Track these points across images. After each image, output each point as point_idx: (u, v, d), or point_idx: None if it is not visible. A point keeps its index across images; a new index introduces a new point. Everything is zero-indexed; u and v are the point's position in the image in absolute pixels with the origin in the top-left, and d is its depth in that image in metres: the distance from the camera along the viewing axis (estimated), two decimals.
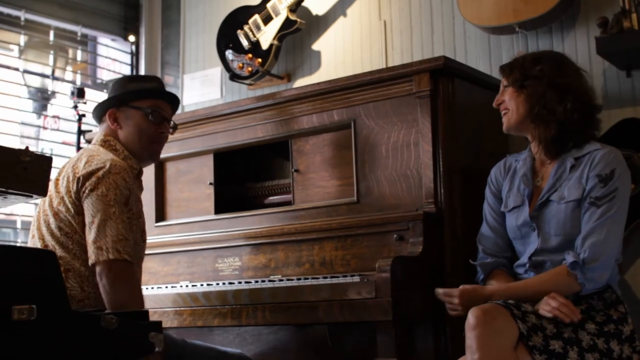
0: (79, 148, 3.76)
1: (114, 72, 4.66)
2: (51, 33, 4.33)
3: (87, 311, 2.14)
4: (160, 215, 3.45)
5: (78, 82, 4.51)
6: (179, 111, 2.90)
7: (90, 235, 2.35)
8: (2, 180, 1.73)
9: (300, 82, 3.90)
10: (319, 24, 3.92)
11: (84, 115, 3.82)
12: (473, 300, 2.27)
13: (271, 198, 3.25)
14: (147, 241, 2.66)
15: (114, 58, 4.67)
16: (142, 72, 4.58)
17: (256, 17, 3.87)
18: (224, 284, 2.87)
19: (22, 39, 4.25)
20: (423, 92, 2.77)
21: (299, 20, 3.79)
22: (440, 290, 2.39)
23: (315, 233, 2.86)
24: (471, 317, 2.14)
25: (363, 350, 2.79)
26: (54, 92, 4.45)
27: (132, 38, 4.60)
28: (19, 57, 4.25)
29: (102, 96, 4.43)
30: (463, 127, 2.85)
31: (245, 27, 3.90)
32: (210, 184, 3.31)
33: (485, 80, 3.01)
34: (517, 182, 2.53)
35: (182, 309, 2.91)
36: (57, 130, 4.42)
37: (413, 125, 2.80)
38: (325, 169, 3.02)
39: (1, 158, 1.73)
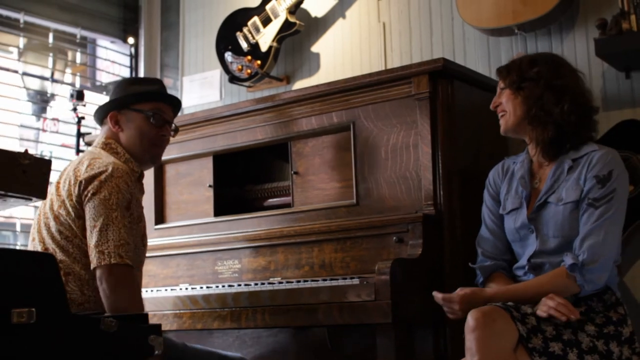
0: (78, 150, 3.75)
1: (113, 74, 4.66)
2: (50, 35, 4.33)
3: (87, 314, 2.13)
4: (160, 218, 3.45)
5: (77, 85, 4.51)
6: (178, 113, 2.90)
7: (92, 239, 2.34)
8: (2, 183, 1.73)
9: (300, 84, 3.90)
10: (318, 26, 3.93)
11: (83, 118, 3.82)
12: (473, 304, 2.26)
13: (270, 200, 3.25)
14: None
15: (113, 60, 4.67)
16: (141, 74, 4.58)
17: (255, 19, 3.87)
18: (223, 286, 2.87)
19: (22, 42, 4.25)
20: (422, 94, 2.77)
21: (298, 22, 3.79)
22: (439, 296, 2.37)
23: (315, 235, 2.86)
24: (471, 320, 2.14)
25: (363, 353, 2.79)
26: (53, 95, 4.45)
27: (131, 40, 4.60)
28: (18, 60, 4.25)
29: (102, 98, 4.43)
30: (462, 129, 2.85)
31: (245, 29, 3.90)
32: (210, 186, 3.31)
33: (485, 82, 3.01)
34: (515, 184, 2.53)
35: (181, 311, 2.91)
36: (57, 132, 4.42)
37: (412, 127, 2.80)
38: (325, 171, 3.02)
39: (0, 161, 1.73)
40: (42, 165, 1.83)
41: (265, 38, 3.84)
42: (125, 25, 4.64)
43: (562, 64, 2.50)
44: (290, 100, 3.09)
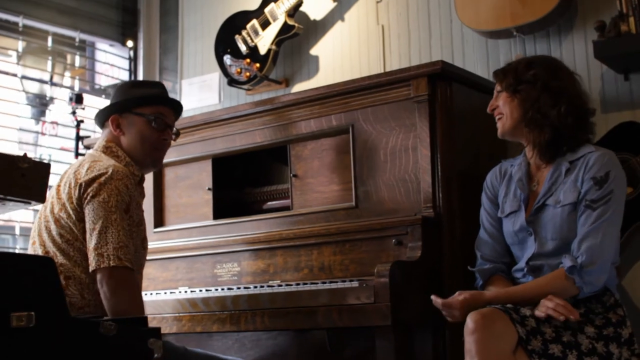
0: (77, 154, 3.75)
1: (112, 77, 4.66)
2: (49, 39, 4.33)
3: (86, 318, 2.13)
4: (159, 221, 3.45)
5: (76, 88, 4.51)
6: (179, 117, 2.90)
7: (91, 242, 2.34)
8: (1, 186, 1.73)
9: (299, 87, 3.90)
10: (317, 28, 3.93)
11: (82, 121, 3.82)
12: (472, 308, 2.26)
13: (270, 203, 3.25)
14: None
15: (112, 64, 4.67)
16: (140, 77, 4.58)
17: (254, 22, 3.87)
18: (222, 289, 2.87)
19: (20, 45, 4.26)
20: (421, 96, 2.77)
21: (297, 25, 3.80)
22: (439, 301, 2.37)
23: (314, 238, 2.86)
24: (470, 322, 2.14)
25: (362, 355, 2.79)
26: (52, 98, 4.45)
27: (130, 43, 4.60)
28: (17, 63, 4.26)
29: (101, 102, 4.44)
30: (461, 131, 2.85)
31: (243, 32, 3.90)
32: (209, 189, 3.31)
33: (483, 85, 3.01)
34: (513, 187, 2.53)
35: (181, 314, 2.91)
36: (56, 136, 4.42)
37: (411, 130, 2.80)
38: (324, 174, 3.02)
39: None
40: (41, 169, 1.83)
41: (264, 41, 3.84)
42: (124, 29, 4.64)
43: (558, 67, 2.51)
44: (289, 103, 3.09)
